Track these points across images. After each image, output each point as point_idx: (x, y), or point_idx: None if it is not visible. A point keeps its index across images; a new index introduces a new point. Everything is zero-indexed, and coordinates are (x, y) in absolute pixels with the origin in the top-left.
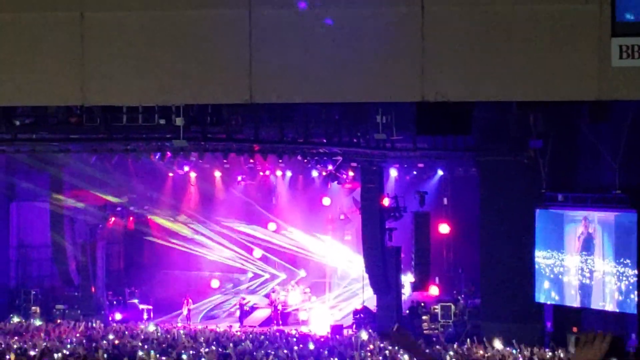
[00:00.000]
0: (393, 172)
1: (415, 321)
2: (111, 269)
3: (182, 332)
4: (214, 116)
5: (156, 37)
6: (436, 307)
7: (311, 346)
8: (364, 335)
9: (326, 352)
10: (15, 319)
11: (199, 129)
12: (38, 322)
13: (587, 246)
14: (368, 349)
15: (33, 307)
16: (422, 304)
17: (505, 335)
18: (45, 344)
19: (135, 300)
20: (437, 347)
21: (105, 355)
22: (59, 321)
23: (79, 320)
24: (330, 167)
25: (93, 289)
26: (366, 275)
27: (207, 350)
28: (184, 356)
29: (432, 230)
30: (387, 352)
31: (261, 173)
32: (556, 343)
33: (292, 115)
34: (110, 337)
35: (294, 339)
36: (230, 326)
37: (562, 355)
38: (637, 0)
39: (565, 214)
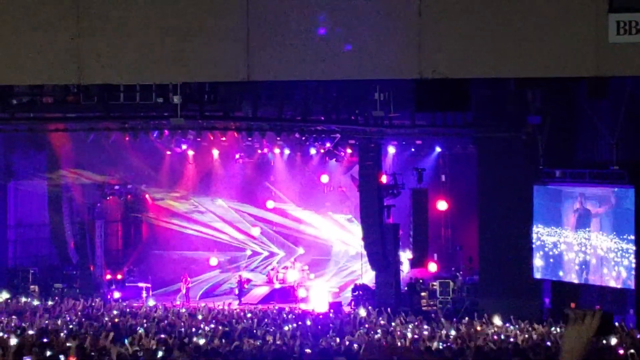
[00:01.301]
0: (391, 149)
1: (413, 298)
2: (109, 247)
3: (182, 310)
4: (211, 94)
5: (153, 15)
6: (434, 283)
7: (309, 323)
8: (362, 312)
9: (325, 329)
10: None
11: (196, 107)
12: (36, 302)
13: (584, 222)
14: (367, 325)
15: (32, 286)
16: (421, 281)
17: (503, 312)
18: (47, 322)
19: (134, 280)
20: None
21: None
22: (57, 298)
23: (77, 299)
24: (328, 145)
25: (91, 268)
26: (365, 252)
27: (207, 328)
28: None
29: (430, 207)
30: (385, 328)
31: (259, 151)
32: (554, 319)
33: (290, 93)
34: (114, 313)
35: (293, 316)
36: (230, 304)
37: (559, 331)
38: None
39: (563, 190)
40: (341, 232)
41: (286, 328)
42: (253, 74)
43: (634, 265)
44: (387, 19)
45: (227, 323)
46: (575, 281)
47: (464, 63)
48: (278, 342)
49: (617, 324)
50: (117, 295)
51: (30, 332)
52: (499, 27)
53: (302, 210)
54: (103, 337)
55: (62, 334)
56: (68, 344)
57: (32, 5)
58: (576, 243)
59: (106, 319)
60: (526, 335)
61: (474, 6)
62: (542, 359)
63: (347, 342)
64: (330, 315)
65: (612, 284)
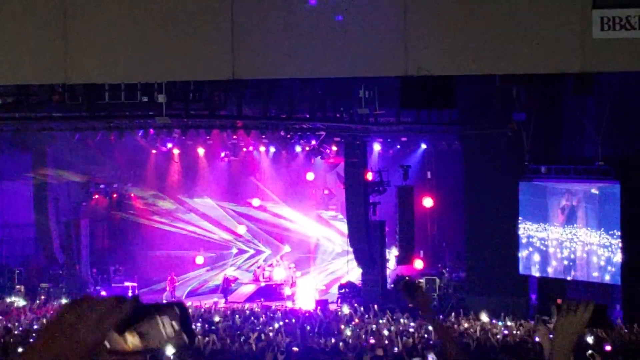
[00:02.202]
0: (376, 147)
1: (400, 295)
2: (95, 247)
3: None
4: (196, 93)
5: (138, 14)
6: (421, 280)
7: (295, 321)
8: (345, 310)
9: (311, 327)
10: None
11: (181, 105)
12: (22, 302)
13: (571, 218)
14: (353, 323)
15: (17, 286)
16: (407, 278)
17: (490, 308)
18: (30, 322)
19: (120, 279)
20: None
21: None
22: (43, 297)
23: (62, 299)
24: (313, 142)
25: (77, 267)
26: (351, 250)
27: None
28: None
29: (416, 204)
30: (372, 326)
31: (244, 149)
32: (541, 315)
33: (275, 91)
34: None
35: (280, 314)
36: (216, 302)
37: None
38: None
39: (548, 186)
40: (327, 230)
41: (275, 326)
42: (238, 72)
43: (620, 261)
44: (373, 17)
45: (213, 321)
46: (562, 277)
47: (448, 60)
48: (263, 341)
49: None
50: (103, 294)
51: (16, 332)
52: (484, 25)
53: (288, 208)
54: None
55: None
56: None
57: (17, 6)
58: (562, 239)
59: None
60: (513, 332)
61: (459, 4)
62: (529, 356)
63: (334, 340)
64: (318, 313)
65: (598, 279)
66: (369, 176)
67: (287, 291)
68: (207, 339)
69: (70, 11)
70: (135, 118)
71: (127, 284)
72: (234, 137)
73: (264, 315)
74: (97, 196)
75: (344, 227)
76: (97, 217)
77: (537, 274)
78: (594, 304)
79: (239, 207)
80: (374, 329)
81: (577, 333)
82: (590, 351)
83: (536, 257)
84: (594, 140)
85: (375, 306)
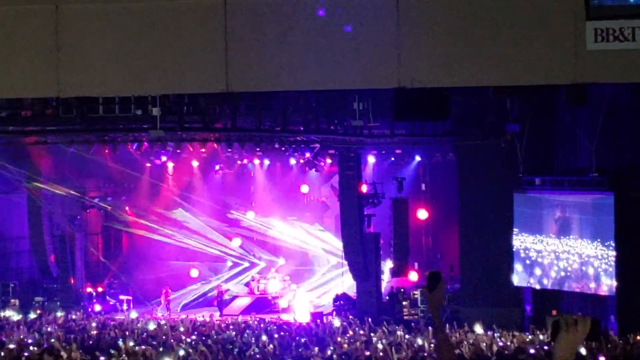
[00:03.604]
0: (371, 159)
1: (395, 307)
2: (90, 260)
3: (162, 322)
4: (190, 106)
5: (131, 28)
6: (416, 292)
7: (290, 334)
8: (337, 322)
9: (306, 340)
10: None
11: (175, 118)
12: (16, 316)
13: (564, 229)
14: (348, 334)
15: (12, 300)
16: (402, 290)
17: (484, 320)
18: (22, 336)
19: (115, 292)
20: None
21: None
22: (38, 312)
23: (57, 313)
24: (308, 155)
25: (72, 281)
26: (345, 262)
27: (187, 339)
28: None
29: (410, 216)
30: (365, 338)
31: (239, 162)
32: (536, 326)
33: (269, 104)
34: (93, 325)
35: (275, 327)
36: (211, 315)
37: (541, 338)
38: None
39: (542, 197)
40: (322, 242)
41: (267, 339)
42: (232, 85)
43: (614, 272)
44: (367, 29)
45: (208, 335)
46: (556, 288)
47: (442, 72)
48: (258, 354)
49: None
50: (97, 308)
51: (11, 345)
52: (477, 37)
53: (283, 220)
54: (74, 349)
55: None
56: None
57: (10, 20)
58: (557, 250)
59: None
60: (508, 343)
61: (452, 16)
62: None
63: (329, 352)
64: (312, 325)
65: (593, 290)
66: (364, 188)
67: (282, 303)
68: (201, 352)
69: (63, 25)
70: (129, 131)
71: (121, 297)
72: (229, 149)
73: (258, 328)
74: (91, 209)
75: (338, 239)
76: (91, 230)
77: (535, 286)
78: (590, 319)
79: (234, 219)
80: (369, 341)
81: (576, 347)
82: None
83: (531, 269)
84: (587, 151)
85: (370, 319)
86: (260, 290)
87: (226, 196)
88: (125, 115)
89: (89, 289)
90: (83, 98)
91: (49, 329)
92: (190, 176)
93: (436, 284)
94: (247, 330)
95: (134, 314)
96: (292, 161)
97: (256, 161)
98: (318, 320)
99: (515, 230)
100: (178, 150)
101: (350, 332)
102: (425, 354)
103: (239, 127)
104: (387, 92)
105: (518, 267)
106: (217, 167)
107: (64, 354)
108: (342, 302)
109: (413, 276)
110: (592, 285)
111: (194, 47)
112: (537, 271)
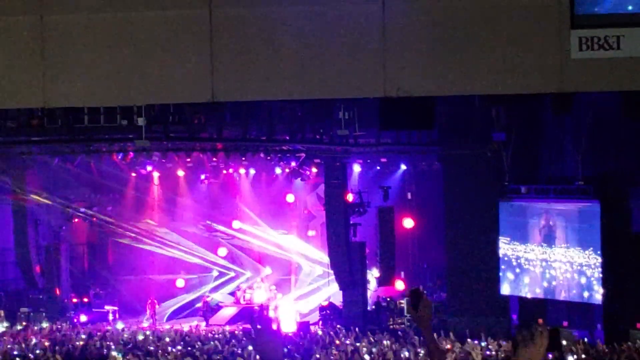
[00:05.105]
0: (356, 168)
1: (381, 316)
2: (76, 270)
3: (147, 332)
4: (176, 115)
5: (116, 38)
6: (402, 301)
7: None
8: (319, 332)
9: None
10: None
11: (161, 128)
12: (2, 327)
13: (550, 238)
14: (334, 344)
15: None
16: (388, 299)
17: (471, 329)
18: (8, 347)
19: (101, 303)
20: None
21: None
22: (24, 323)
23: (43, 323)
24: (293, 164)
25: (58, 292)
26: (331, 272)
27: (173, 350)
28: None
29: (396, 225)
30: (351, 347)
31: (224, 171)
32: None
33: (255, 113)
34: (79, 336)
35: None
36: (197, 325)
37: None
38: None
39: (528, 206)
40: (308, 252)
41: (251, 348)
42: (218, 94)
43: (600, 280)
44: (352, 38)
45: (194, 345)
46: (542, 297)
47: (428, 81)
48: None
49: (584, 339)
50: (83, 318)
51: None
52: (463, 46)
53: (269, 229)
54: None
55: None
56: None
57: None
58: (543, 259)
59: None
60: (495, 352)
61: (438, 25)
62: None
63: None
64: (298, 335)
65: (579, 298)
66: (349, 197)
67: (271, 313)
68: None
69: (48, 34)
70: (115, 141)
71: (107, 307)
72: (214, 159)
73: (244, 338)
74: (76, 220)
75: (324, 249)
76: (77, 240)
77: (518, 294)
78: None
79: (220, 229)
80: (354, 351)
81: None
82: None
83: (517, 278)
84: (573, 160)
85: (357, 328)
86: (246, 300)
87: (212, 206)
88: (111, 126)
89: (74, 300)
90: (68, 108)
91: (34, 340)
92: (176, 186)
93: (418, 301)
94: (233, 340)
95: (120, 325)
96: (278, 170)
97: (242, 170)
98: (303, 331)
99: (507, 239)
100: (163, 160)
101: (337, 342)
102: None
103: (225, 137)
104: (373, 101)
105: (504, 276)
106: (202, 177)
107: None
108: (328, 311)
109: (399, 285)
110: (577, 293)
111: (179, 57)
112: (523, 280)
